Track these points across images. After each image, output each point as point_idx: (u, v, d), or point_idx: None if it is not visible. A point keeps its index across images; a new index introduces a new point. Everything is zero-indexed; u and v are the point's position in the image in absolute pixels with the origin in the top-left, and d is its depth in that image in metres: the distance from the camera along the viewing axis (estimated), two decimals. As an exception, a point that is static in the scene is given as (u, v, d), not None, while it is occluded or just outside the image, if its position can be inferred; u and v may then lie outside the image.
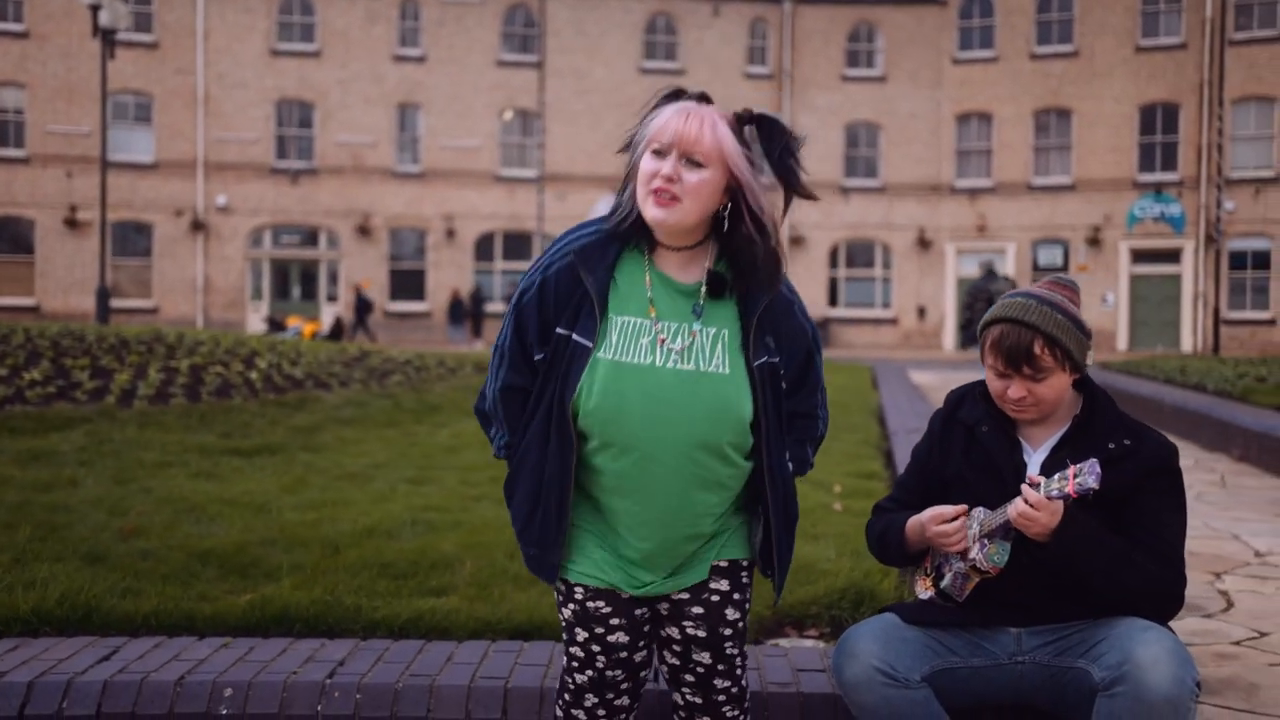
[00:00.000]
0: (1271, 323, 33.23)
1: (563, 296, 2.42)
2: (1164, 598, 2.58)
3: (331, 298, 35.81)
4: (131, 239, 34.68)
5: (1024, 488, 2.51)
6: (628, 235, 2.43)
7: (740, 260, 2.39)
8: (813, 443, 2.64)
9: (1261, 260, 33.95)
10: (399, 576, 3.89)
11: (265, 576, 3.85)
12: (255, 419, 7.45)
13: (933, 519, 2.67)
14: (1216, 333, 28.11)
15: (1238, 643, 4.51)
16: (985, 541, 2.60)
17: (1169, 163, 34.73)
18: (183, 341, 10.56)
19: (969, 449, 2.76)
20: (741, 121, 2.42)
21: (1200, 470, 9.46)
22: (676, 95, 2.42)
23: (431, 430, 7.67)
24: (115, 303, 32.56)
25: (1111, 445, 2.61)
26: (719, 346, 2.40)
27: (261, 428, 7.20)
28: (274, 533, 4.34)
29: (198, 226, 34.56)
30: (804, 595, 3.89)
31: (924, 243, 36.59)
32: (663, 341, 2.37)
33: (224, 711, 2.92)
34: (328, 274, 35.93)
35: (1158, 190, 34.59)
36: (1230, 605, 5.09)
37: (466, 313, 34.88)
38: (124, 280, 34.52)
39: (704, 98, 2.42)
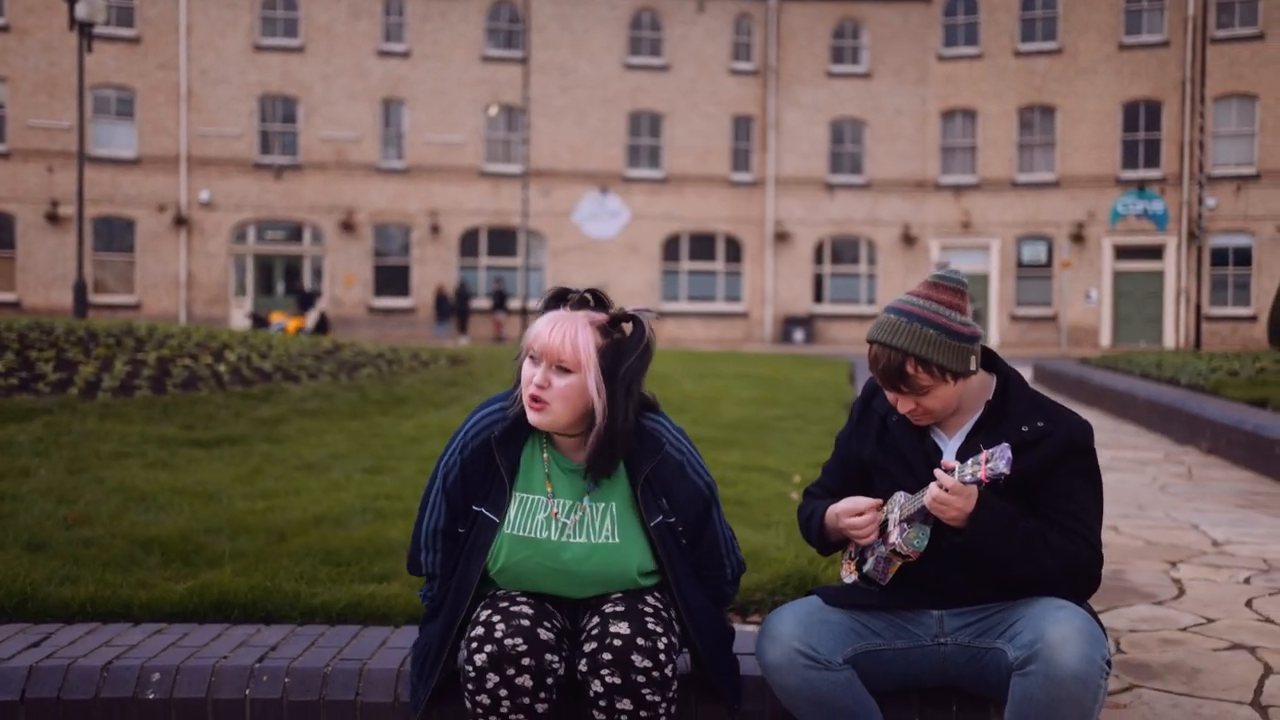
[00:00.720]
0: (1253, 319, 33.37)
1: (479, 475, 2.71)
2: (1080, 577, 2.58)
3: (316, 293, 35.72)
4: (114, 234, 34.55)
5: (938, 473, 2.52)
6: (526, 425, 2.70)
7: (593, 453, 2.67)
8: (728, 584, 2.87)
9: (1243, 257, 34.12)
10: (342, 564, 3.88)
11: (208, 564, 3.83)
12: (219, 411, 7.41)
13: (846, 511, 2.68)
14: (1198, 329, 28.22)
15: (1184, 629, 4.54)
16: (905, 526, 2.61)
17: (1152, 159, 34.87)
18: (153, 335, 10.50)
19: (882, 438, 2.77)
20: (616, 320, 2.67)
21: (1169, 463, 9.51)
22: (563, 296, 2.68)
23: (396, 422, 7.64)
24: (97, 298, 32.46)
25: (1025, 428, 2.61)
26: (607, 519, 2.69)
27: (225, 419, 7.17)
28: (221, 521, 4.32)
29: (180, 222, 34.44)
30: (749, 582, 3.89)
31: (909, 239, 36.66)
32: (555, 515, 2.67)
33: (150, 696, 2.91)
34: (312, 270, 35.85)
35: (1141, 187, 34.72)
36: (1182, 593, 5.13)
37: (452, 309, 34.86)
38: (106, 276, 34.41)
39: (584, 300, 2.68)
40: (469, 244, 36.43)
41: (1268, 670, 4.00)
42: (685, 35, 36.73)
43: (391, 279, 36.01)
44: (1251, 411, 10.19)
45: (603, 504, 2.72)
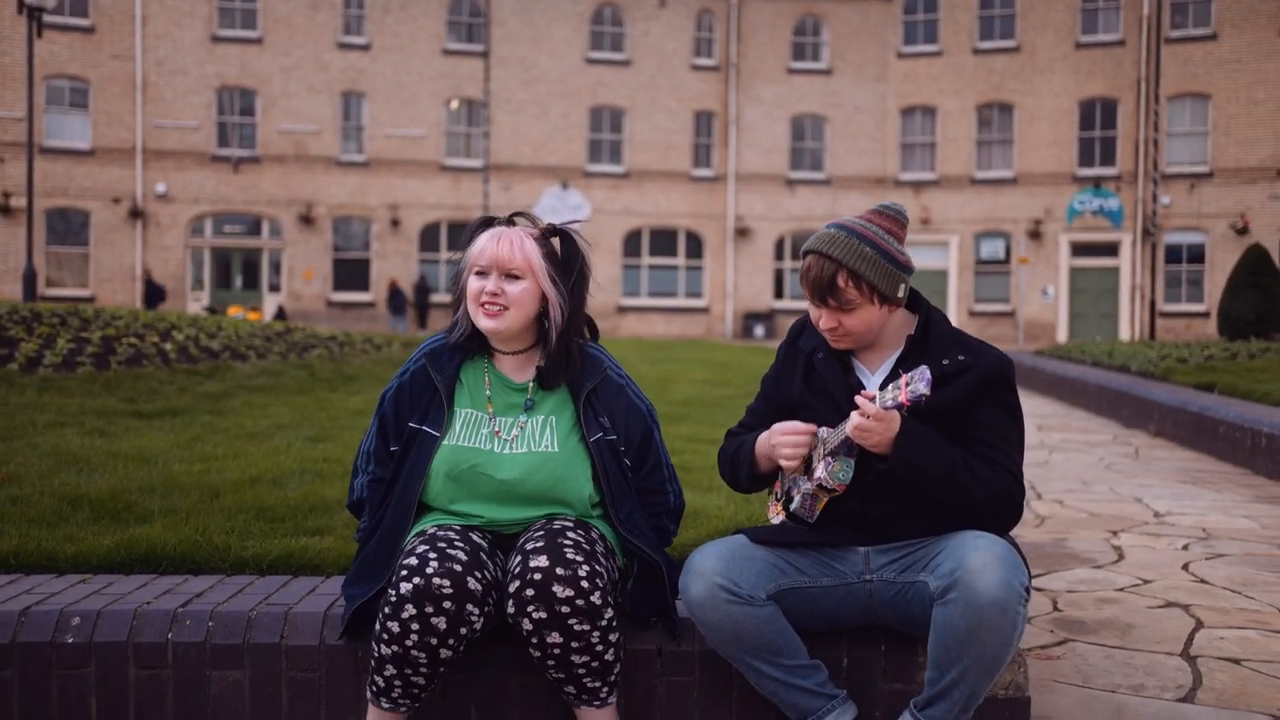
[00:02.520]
0: (1206, 315, 33.78)
1: (417, 396, 2.82)
2: (1004, 504, 2.59)
3: (274, 287, 35.45)
4: (68, 227, 34.09)
5: (859, 399, 2.52)
6: (470, 346, 2.84)
7: (553, 355, 2.80)
8: (668, 515, 2.94)
9: (1196, 254, 34.54)
10: (276, 519, 3.82)
11: (138, 520, 3.77)
12: (163, 386, 7.30)
13: (782, 429, 2.66)
14: (1153, 325, 28.60)
15: (1121, 589, 4.58)
16: (830, 460, 2.60)
17: (1107, 157, 35.23)
18: (99, 316, 10.36)
19: (808, 375, 2.78)
20: (546, 235, 2.83)
21: (1117, 444, 9.62)
22: (489, 222, 2.82)
23: (345, 397, 7.56)
24: (51, 291, 32.00)
25: (946, 361, 2.62)
26: (547, 430, 2.80)
27: (168, 394, 7.06)
28: (155, 481, 4.25)
29: (136, 214, 34.03)
30: (687, 538, 3.87)
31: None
32: (498, 434, 2.78)
33: (70, 640, 2.87)
34: (270, 263, 35.54)
35: (1096, 184, 35.08)
36: (1121, 558, 5.18)
37: (407, 302, 34.66)
38: (60, 268, 33.92)
39: (511, 220, 2.85)
40: (429, 238, 36.25)
41: (1199, 625, 4.05)
42: (647, 31, 36.73)
43: (351, 273, 35.76)
44: (1198, 395, 10.33)
45: (542, 417, 2.82)
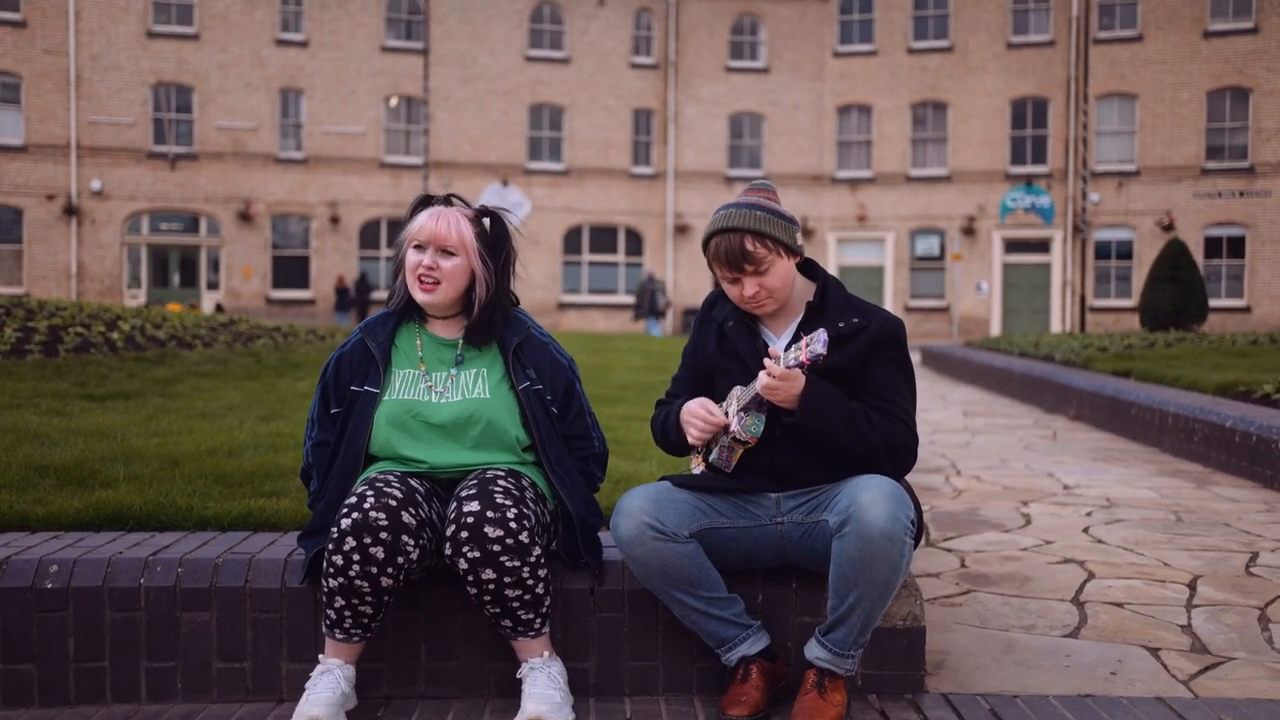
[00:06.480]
0: (1134, 309, 34.68)
1: (356, 364, 3.11)
2: (899, 450, 2.91)
3: (212, 285, 35.25)
4: (1, 224, 33.63)
5: (766, 360, 2.84)
6: (404, 313, 3.16)
7: (475, 324, 3.11)
8: (595, 460, 3.25)
9: (1124, 250, 35.49)
10: (234, 484, 4.05)
11: (103, 486, 3.97)
12: (113, 372, 7.46)
13: (696, 404, 2.97)
14: (1083, 319, 29.38)
15: (1025, 549, 4.95)
16: (742, 415, 2.92)
17: (1039, 155, 36.07)
18: (43, 307, 10.44)
19: (721, 343, 3.10)
20: (480, 215, 3.14)
21: (1037, 428, 10.05)
22: (428, 200, 3.12)
23: (292, 382, 7.76)
24: (-17, 288, 31.61)
25: (842, 324, 2.94)
26: (479, 381, 3.10)
27: (118, 379, 7.22)
28: (116, 452, 4.46)
29: (71, 211, 33.67)
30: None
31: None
32: (432, 387, 3.07)
33: (49, 585, 3.09)
34: (208, 261, 35.32)
35: (1028, 182, 35.89)
36: (1028, 523, 5.55)
37: (353, 300, 34.62)
38: (-8, 266, 33.50)
39: (449, 200, 3.15)
40: (369, 235, 36.22)
41: (1091, 576, 4.42)
42: (585, 29, 36.98)
43: (290, 270, 35.65)
44: (1114, 381, 10.80)
45: (473, 371, 3.12)
